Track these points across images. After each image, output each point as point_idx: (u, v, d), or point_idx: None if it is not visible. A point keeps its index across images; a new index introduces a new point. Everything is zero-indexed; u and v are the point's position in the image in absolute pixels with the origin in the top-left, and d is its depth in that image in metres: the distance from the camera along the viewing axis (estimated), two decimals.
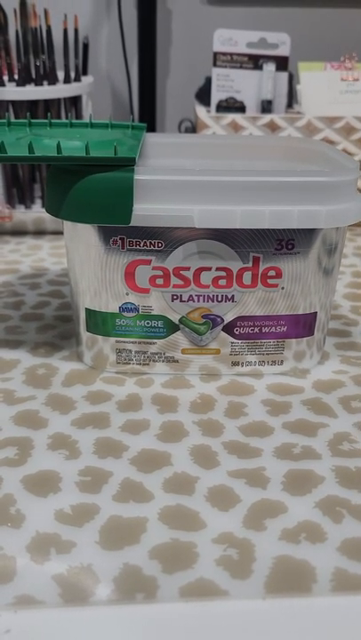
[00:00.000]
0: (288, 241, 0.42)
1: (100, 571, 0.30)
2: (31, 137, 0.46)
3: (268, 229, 0.42)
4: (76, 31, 0.74)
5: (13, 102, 0.70)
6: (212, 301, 0.44)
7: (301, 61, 0.85)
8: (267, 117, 0.77)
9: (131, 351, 0.46)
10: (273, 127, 0.78)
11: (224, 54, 0.80)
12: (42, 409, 0.42)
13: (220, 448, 0.39)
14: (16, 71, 0.74)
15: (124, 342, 0.45)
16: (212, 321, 0.44)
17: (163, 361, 0.46)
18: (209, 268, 0.43)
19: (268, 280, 0.43)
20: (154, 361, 0.46)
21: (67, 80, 0.73)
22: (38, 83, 0.71)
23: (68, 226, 0.43)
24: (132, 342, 0.45)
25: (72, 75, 0.75)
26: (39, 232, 0.77)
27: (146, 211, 0.40)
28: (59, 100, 0.73)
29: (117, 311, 0.44)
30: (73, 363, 0.48)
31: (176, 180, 0.40)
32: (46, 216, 0.75)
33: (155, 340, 0.45)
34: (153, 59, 1.01)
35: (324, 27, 1.06)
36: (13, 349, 0.50)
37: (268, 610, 0.29)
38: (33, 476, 0.36)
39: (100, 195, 0.40)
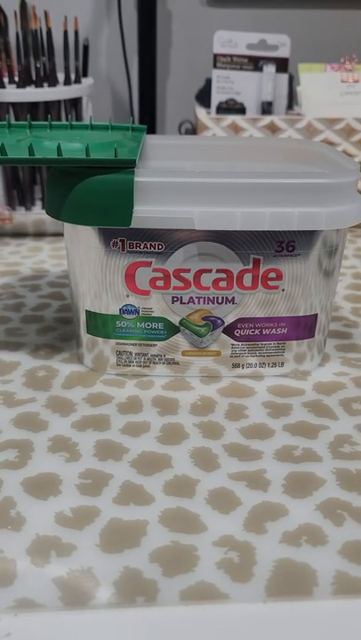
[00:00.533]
0: (288, 243, 0.42)
1: (100, 574, 0.30)
2: (31, 139, 0.46)
3: (268, 231, 0.42)
4: (76, 33, 0.74)
5: (14, 104, 0.70)
6: (213, 303, 0.44)
7: (301, 63, 0.85)
8: (267, 119, 0.77)
9: (131, 353, 0.46)
10: (273, 129, 0.78)
11: (224, 56, 0.80)
12: (42, 411, 0.42)
13: (221, 450, 0.39)
14: (16, 73, 0.74)
15: (125, 344, 0.45)
16: (212, 323, 0.44)
17: (163, 363, 0.46)
18: (209, 270, 0.43)
19: (268, 282, 0.43)
20: (154, 363, 0.46)
21: (67, 82, 0.73)
22: (38, 84, 0.71)
23: (68, 228, 0.43)
24: (133, 344, 0.45)
25: (72, 76, 0.75)
26: (39, 234, 0.77)
27: (146, 213, 0.40)
28: (59, 101, 0.73)
29: (118, 313, 0.44)
30: (73, 365, 0.48)
31: (176, 182, 0.40)
32: (46, 218, 0.75)
33: (155, 342, 0.45)
34: (153, 60, 1.01)
35: (324, 28, 1.06)
36: (13, 351, 0.50)
37: (268, 613, 0.28)
38: (33, 479, 0.36)
39: (100, 197, 0.40)
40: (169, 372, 0.46)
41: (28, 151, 0.40)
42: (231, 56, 0.80)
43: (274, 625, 0.28)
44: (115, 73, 1.07)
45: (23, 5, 0.70)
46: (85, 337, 0.46)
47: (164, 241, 0.42)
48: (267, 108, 0.81)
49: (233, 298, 0.44)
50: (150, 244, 0.42)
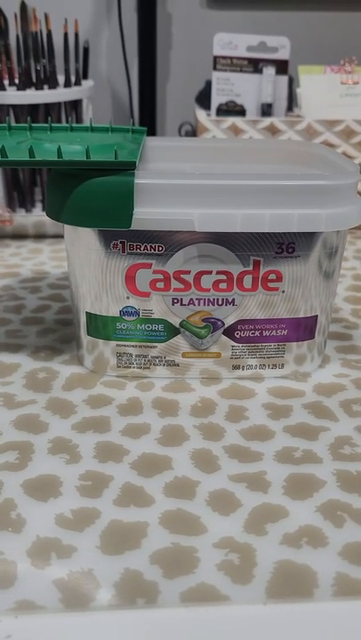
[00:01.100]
0: (289, 244, 0.42)
1: (100, 576, 0.30)
2: (32, 141, 0.46)
3: (268, 233, 0.42)
4: (76, 35, 0.74)
5: (14, 106, 0.71)
6: (213, 305, 0.44)
7: (301, 65, 0.85)
8: (267, 121, 0.77)
9: (131, 355, 0.46)
10: (273, 130, 0.78)
11: (224, 58, 0.80)
12: (42, 413, 0.42)
13: (221, 452, 0.39)
14: (17, 75, 0.74)
15: (125, 346, 0.45)
16: (212, 324, 0.44)
17: (163, 365, 0.46)
18: (209, 272, 0.43)
19: (268, 283, 0.43)
20: (154, 365, 0.46)
21: (67, 84, 0.73)
22: (39, 87, 0.71)
23: (68, 230, 0.43)
24: (133, 346, 0.45)
25: (72, 79, 0.75)
26: (40, 236, 0.77)
27: (146, 214, 0.40)
28: (59, 103, 0.73)
29: (118, 315, 0.44)
30: (73, 366, 0.48)
31: (176, 184, 0.40)
32: (47, 220, 0.75)
33: (155, 344, 0.45)
34: (153, 62, 1.01)
35: (323, 30, 1.06)
36: (14, 353, 0.50)
37: (269, 615, 0.28)
38: (33, 481, 0.36)
39: (100, 199, 0.40)
40: (169, 373, 0.46)
41: (29, 153, 0.40)
42: (231, 58, 0.80)
43: (274, 626, 0.28)
44: (115, 75, 1.07)
45: (23, 8, 0.70)
46: (86, 339, 0.46)
47: (164, 243, 0.42)
48: (267, 110, 0.81)
49: (233, 299, 0.44)
50: (150, 246, 0.42)
